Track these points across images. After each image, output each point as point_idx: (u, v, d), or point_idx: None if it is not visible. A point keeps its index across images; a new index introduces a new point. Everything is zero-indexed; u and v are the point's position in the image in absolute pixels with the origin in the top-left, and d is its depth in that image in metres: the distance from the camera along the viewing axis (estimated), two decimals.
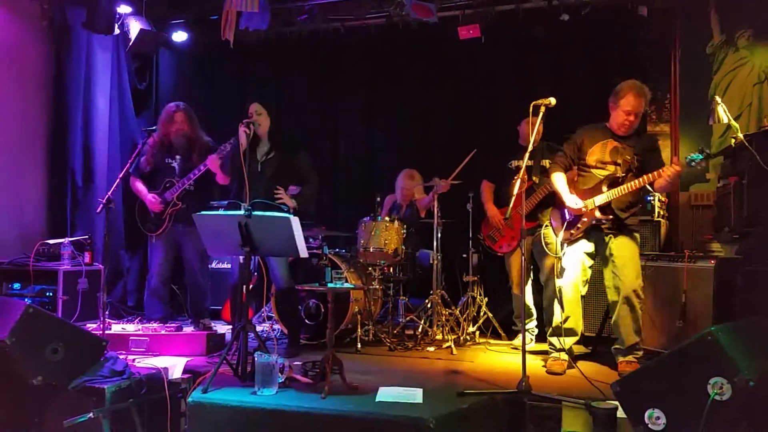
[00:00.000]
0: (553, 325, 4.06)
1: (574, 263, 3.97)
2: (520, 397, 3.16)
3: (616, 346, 3.94)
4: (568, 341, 3.98)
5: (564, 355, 3.95)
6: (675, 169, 3.61)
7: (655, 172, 3.68)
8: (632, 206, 3.96)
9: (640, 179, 3.75)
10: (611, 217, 3.90)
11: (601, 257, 4.00)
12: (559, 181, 4.03)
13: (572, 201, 3.90)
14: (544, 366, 3.96)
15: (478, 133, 6.30)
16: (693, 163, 3.54)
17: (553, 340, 4.05)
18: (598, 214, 3.87)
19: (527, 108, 3.56)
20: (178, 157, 4.81)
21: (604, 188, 3.87)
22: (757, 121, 5.15)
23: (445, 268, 5.42)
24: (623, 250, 3.89)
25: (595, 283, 4.30)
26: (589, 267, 4.05)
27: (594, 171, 3.98)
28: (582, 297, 4.05)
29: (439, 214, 5.08)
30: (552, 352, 4.05)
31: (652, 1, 5.55)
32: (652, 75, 5.76)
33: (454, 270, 5.59)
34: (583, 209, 3.88)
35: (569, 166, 4.10)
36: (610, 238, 3.93)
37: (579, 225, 3.93)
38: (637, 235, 3.99)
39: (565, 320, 3.97)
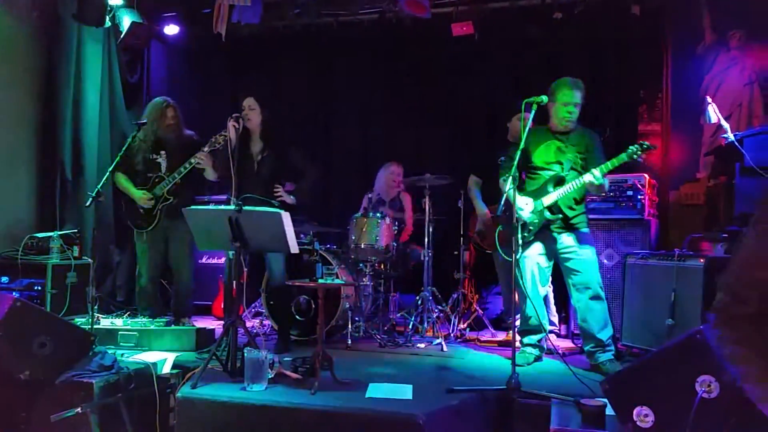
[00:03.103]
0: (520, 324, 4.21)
1: (530, 266, 4.08)
2: (509, 394, 3.17)
3: (593, 345, 3.94)
4: (534, 338, 4.16)
5: (530, 350, 4.13)
6: (588, 178, 3.78)
7: (586, 177, 3.80)
8: (578, 203, 4.05)
9: (579, 179, 3.86)
10: (560, 216, 3.98)
11: (557, 258, 4.08)
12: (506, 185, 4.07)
13: (523, 203, 3.97)
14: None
15: (470, 130, 6.32)
16: (635, 156, 3.72)
17: (523, 337, 4.22)
18: (547, 214, 3.95)
19: (519, 105, 3.57)
20: (163, 152, 4.76)
21: (550, 188, 3.95)
22: (748, 121, 5.18)
23: (436, 265, 5.43)
24: (585, 246, 3.97)
25: None
26: (547, 267, 4.13)
27: (541, 172, 4.05)
28: (545, 296, 4.21)
29: (430, 211, 5.08)
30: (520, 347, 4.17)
31: (645, 0, 5.56)
32: (644, 74, 5.80)
33: (445, 267, 5.60)
34: (527, 215, 3.94)
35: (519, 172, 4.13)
36: (563, 237, 4.00)
37: (530, 227, 3.99)
38: (587, 230, 4.06)
39: (529, 319, 4.13)
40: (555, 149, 4.03)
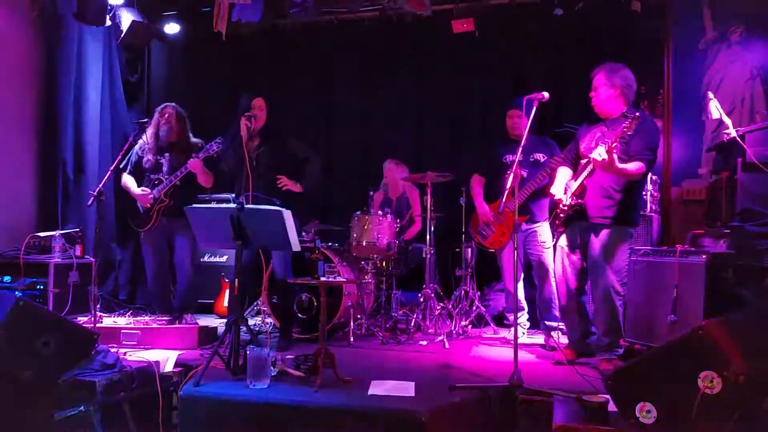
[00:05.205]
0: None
1: (559, 257, 4.00)
2: (511, 391, 3.16)
3: (597, 342, 3.91)
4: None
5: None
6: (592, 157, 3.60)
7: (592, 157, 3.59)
8: (615, 193, 3.77)
9: (587, 164, 3.70)
10: (580, 201, 3.81)
11: (581, 251, 3.96)
12: (560, 172, 4.04)
13: (553, 188, 3.93)
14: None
15: (471, 127, 6.31)
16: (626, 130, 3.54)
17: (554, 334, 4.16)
18: (572, 200, 3.83)
19: (517, 101, 3.55)
20: (167, 154, 4.78)
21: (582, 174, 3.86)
22: (750, 116, 5.17)
23: (438, 262, 5.42)
24: (599, 242, 3.79)
25: None
26: (577, 260, 3.98)
27: (583, 161, 3.90)
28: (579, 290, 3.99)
29: (432, 208, 5.08)
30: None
31: None
32: (645, 70, 5.77)
33: (446, 264, 5.60)
34: (559, 196, 3.88)
35: (571, 160, 4.05)
36: (589, 230, 3.85)
37: (561, 215, 3.90)
38: (615, 228, 3.77)
39: (564, 315, 4.04)
40: (598, 135, 3.83)
